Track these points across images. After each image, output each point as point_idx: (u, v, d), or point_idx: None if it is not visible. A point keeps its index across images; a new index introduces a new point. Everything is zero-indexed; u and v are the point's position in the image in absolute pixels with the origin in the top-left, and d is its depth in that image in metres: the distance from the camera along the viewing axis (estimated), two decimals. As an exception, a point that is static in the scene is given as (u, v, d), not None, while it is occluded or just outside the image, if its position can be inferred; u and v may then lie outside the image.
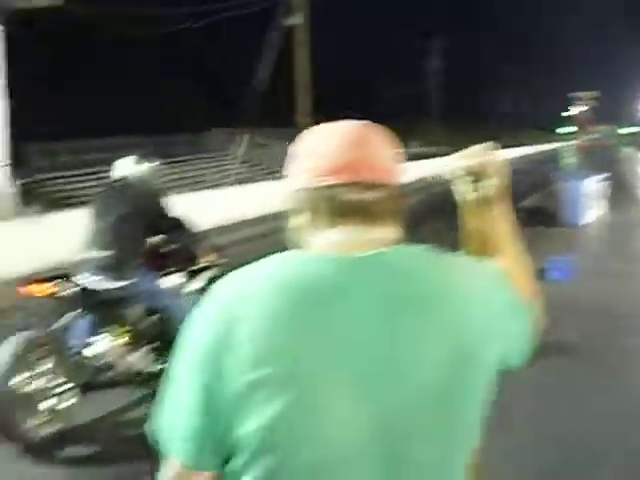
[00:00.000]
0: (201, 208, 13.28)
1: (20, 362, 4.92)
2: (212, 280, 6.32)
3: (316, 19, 29.08)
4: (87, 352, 5.63)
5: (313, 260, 1.33)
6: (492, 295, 1.41)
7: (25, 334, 5.11)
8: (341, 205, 1.35)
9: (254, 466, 1.26)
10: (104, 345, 5.69)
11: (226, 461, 1.31)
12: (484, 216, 1.61)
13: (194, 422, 1.29)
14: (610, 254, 13.02)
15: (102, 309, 5.67)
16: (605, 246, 14.43)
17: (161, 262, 6.18)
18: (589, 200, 17.03)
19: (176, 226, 6.12)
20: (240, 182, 25.84)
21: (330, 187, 1.35)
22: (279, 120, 38.92)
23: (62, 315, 5.65)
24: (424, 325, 1.28)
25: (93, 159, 28.38)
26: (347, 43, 76.01)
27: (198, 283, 6.42)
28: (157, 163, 6.35)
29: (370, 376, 1.25)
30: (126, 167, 6.10)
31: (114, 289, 5.63)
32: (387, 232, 1.38)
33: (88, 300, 5.58)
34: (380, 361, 1.25)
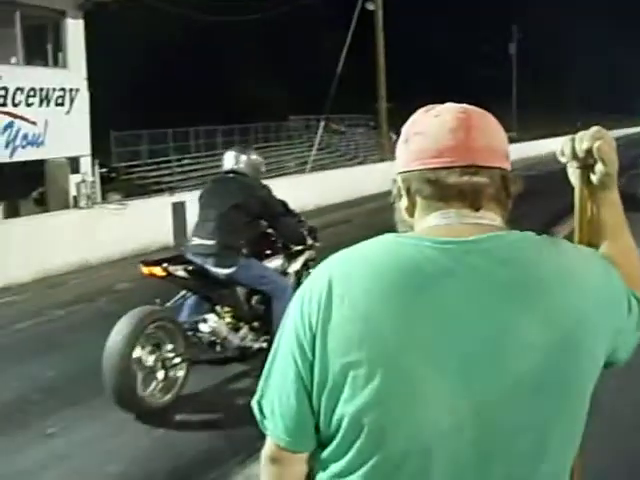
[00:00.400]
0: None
1: (139, 335, 5.39)
2: (307, 262, 6.82)
3: (393, 5, 28.82)
4: (202, 328, 6.05)
5: (415, 243, 1.29)
6: (605, 285, 1.35)
7: (142, 309, 5.58)
8: (444, 189, 1.32)
9: (347, 450, 1.25)
10: (212, 323, 6.06)
11: (320, 444, 1.31)
12: (594, 202, 1.53)
13: (290, 405, 1.30)
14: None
15: (208, 290, 6.14)
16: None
17: (266, 246, 6.54)
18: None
19: (285, 211, 6.56)
20: (316, 169, 25.84)
21: (434, 170, 1.32)
22: (356, 107, 38.83)
23: (171, 294, 6.32)
24: (529, 312, 1.23)
25: (172, 147, 28.83)
26: (425, 28, 75.29)
27: (296, 265, 6.74)
28: (258, 155, 6.71)
29: (470, 362, 1.21)
30: (232, 160, 6.43)
31: (220, 273, 5.98)
32: (492, 217, 1.34)
33: (196, 282, 6.04)
34: (481, 347, 1.22)
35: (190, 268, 5.92)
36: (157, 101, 39.13)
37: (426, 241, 1.28)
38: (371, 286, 1.23)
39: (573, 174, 1.54)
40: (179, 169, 27.42)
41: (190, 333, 5.96)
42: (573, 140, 1.49)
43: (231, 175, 6.35)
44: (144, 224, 13.73)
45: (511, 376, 1.22)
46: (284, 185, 18.39)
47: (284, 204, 6.58)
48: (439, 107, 1.40)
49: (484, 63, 65.92)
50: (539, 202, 17.54)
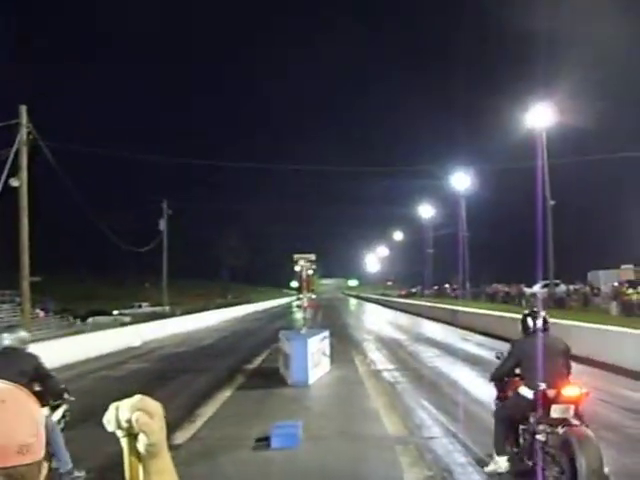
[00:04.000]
0: None
1: None
2: (65, 413, 8.12)
3: (39, 183, 28.41)
4: None
5: None
6: None
7: None
8: None
9: None
10: None
11: None
12: (145, 470, 1.42)
13: None
14: (337, 414, 12.77)
15: None
16: (331, 405, 14.01)
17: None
18: (315, 357, 16.95)
19: (47, 374, 8.00)
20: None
21: None
22: (5, 282, 37.14)
23: None
24: None
25: None
26: (76, 202, 74.96)
27: (56, 416, 7.95)
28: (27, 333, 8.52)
29: None
30: (6, 339, 7.97)
31: None
32: None
33: None
34: None
35: None
36: None
37: None
38: None
39: (121, 443, 1.43)
40: None
41: None
42: (116, 409, 1.40)
43: (10, 350, 7.83)
44: None
45: None
46: None
47: (48, 371, 8.01)
48: None
49: (134, 240, 66.52)
50: (186, 380, 17.44)
